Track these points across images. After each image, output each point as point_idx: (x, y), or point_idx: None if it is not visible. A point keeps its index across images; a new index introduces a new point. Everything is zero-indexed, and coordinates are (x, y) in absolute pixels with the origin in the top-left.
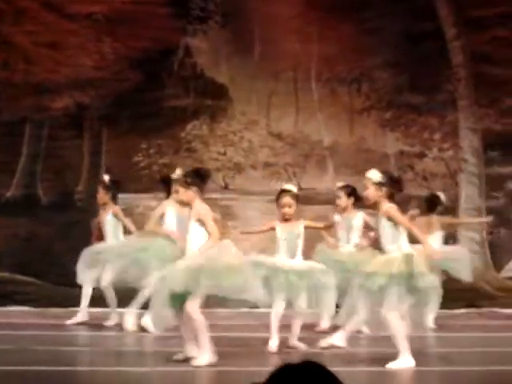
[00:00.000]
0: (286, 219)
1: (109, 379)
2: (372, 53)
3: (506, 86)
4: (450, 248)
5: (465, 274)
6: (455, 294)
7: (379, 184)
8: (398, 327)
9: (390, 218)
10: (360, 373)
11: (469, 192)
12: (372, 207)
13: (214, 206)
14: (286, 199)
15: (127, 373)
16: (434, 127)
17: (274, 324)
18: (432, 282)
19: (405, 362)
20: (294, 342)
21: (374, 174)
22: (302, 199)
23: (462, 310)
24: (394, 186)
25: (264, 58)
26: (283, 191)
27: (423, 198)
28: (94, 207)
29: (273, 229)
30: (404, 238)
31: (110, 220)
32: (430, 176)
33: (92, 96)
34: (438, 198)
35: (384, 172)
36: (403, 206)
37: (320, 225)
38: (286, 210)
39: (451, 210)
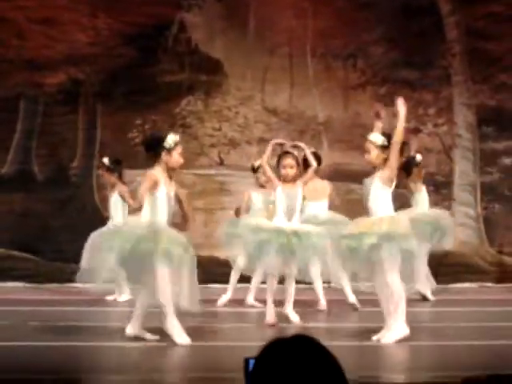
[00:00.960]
0: (286, 181)
1: (107, 354)
2: (367, 28)
3: (501, 62)
4: (435, 212)
5: (447, 241)
6: (449, 268)
7: (382, 147)
8: (400, 291)
9: (385, 180)
10: (353, 347)
11: (463, 167)
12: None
13: (210, 181)
14: (288, 160)
15: (125, 348)
16: (428, 103)
17: (270, 298)
18: (415, 246)
19: (400, 330)
20: (288, 309)
21: (377, 137)
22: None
23: (456, 285)
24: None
25: (259, 34)
26: (285, 153)
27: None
28: (89, 183)
29: (273, 189)
30: (390, 202)
31: (115, 200)
32: (424, 151)
33: (86, 72)
34: (413, 159)
35: (387, 134)
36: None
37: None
38: (288, 170)
39: (446, 185)
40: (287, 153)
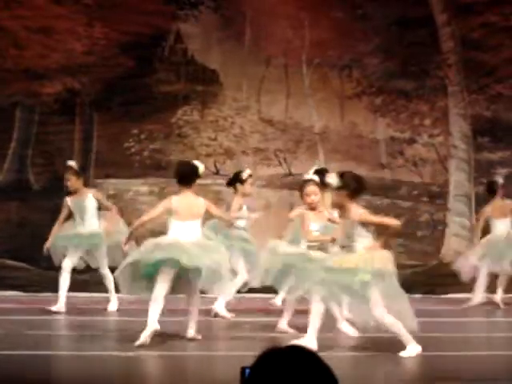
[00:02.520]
0: (312, 208)
1: (100, 363)
2: (363, 38)
3: (496, 72)
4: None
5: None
6: (444, 278)
7: (338, 188)
8: (392, 322)
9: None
10: (346, 357)
11: (458, 178)
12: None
13: (206, 191)
14: (312, 188)
15: (115, 357)
16: (424, 113)
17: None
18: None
19: (413, 349)
20: (284, 325)
21: (332, 179)
22: (292, 185)
23: (451, 295)
24: (355, 186)
25: (255, 44)
26: (306, 180)
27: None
28: None
29: (300, 217)
30: (370, 236)
31: (90, 204)
32: (420, 162)
33: (83, 81)
34: (494, 183)
35: (344, 173)
36: (394, 192)
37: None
38: (313, 197)
39: (441, 195)
40: (308, 180)
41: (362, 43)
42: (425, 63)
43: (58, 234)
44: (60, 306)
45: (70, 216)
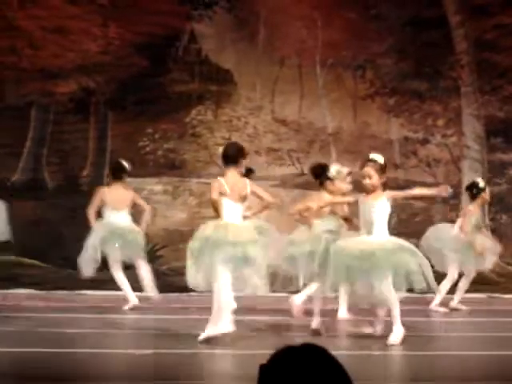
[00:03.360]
0: (367, 191)
1: (112, 361)
2: (377, 39)
3: (509, 73)
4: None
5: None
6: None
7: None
8: (225, 297)
9: None
10: (360, 356)
11: (471, 178)
12: None
13: None
14: (365, 169)
15: (134, 356)
16: (437, 114)
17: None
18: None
19: (220, 329)
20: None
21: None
22: (305, 184)
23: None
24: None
25: (269, 44)
26: (366, 161)
27: (466, 188)
28: None
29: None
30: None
31: None
32: (433, 162)
33: (98, 81)
34: (476, 184)
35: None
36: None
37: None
38: (366, 181)
39: (454, 195)
40: (367, 160)
41: (376, 44)
42: (438, 64)
43: None
44: None
45: None
